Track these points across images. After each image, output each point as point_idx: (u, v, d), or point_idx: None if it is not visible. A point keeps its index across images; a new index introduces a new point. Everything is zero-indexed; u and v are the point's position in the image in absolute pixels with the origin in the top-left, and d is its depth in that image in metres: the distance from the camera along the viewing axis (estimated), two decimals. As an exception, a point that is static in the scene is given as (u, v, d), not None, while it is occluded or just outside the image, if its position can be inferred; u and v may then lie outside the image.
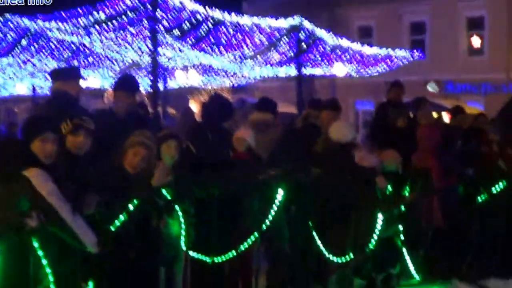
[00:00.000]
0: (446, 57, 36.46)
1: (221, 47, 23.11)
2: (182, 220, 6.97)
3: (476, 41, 37.71)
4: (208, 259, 7.54)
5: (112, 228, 5.99)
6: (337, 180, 8.55)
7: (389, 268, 9.34)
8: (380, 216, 8.83)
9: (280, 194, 7.99)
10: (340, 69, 28.66)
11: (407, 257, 9.43)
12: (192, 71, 28.97)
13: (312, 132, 9.57)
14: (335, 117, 9.83)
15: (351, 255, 8.77)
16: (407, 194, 9.21)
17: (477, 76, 36.36)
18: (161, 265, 6.83)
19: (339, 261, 8.75)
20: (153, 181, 6.33)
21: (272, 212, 8.00)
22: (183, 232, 7.03)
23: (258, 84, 36.27)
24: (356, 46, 28.15)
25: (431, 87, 36.82)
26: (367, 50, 28.55)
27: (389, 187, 9.01)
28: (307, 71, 27.47)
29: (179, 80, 30.54)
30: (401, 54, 29.54)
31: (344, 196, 8.63)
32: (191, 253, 7.31)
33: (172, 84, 32.18)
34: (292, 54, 25.50)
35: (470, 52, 38.03)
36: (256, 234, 7.93)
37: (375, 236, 8.83)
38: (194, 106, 31.32)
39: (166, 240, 6.82)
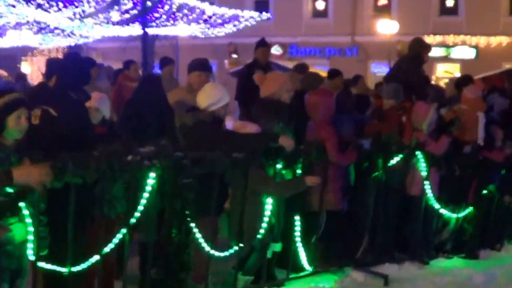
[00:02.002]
0: (291, 19, 35.78)
1: (59, 2, 20.76)
2: (29, 220, 5.08)
3: (320, 4, 37.21)
4: (64, 269, 5.72)
5: None
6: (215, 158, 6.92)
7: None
8: (269, 200, 7.31)
9: (151, 178, 6.28)
10: (184, 29, 27.01)
11: (299, 246, 7.98)
12: (25, 30, 26.36)
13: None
14: (205, 79, 8.19)
15: (235, 248, 7.24)
16: (299, 171, 7.70)
17: (321, 39, 36.02)
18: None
19: (221, 255, 7.18)
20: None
21: (143, 201, 6.28)
22: (30, 237, 5.14)
23: (97, 44, 33.86)
24: (203, 5, 26.53)
25: (275, 49, 36.16)
26: (215, 9, 27.01)
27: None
28: (151, 31, 25.58)
29: (11, 39, 27.88)
30: (249, 14, 28.24)
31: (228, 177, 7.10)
32: (41, 264, 5.47)
33: (3, 43, 29.43)
34: (136, 12, 23.51)
35: (315, 14, 37.56)
36: (123, 230, 6.20)
37: (263, 224, 7.31)
38: (28, 68, 28.74)
39: (6, 249, 4.97)
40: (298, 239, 7.95)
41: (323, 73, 12.92)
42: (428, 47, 10.56)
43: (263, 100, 8.16)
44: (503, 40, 34.39)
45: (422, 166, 9.12)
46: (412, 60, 10.36)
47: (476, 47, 35.04)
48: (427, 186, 9.20)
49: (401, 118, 9.32)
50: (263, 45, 12.11)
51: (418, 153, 9.05)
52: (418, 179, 9.21)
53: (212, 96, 7.30)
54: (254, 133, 7.37)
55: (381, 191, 8.84)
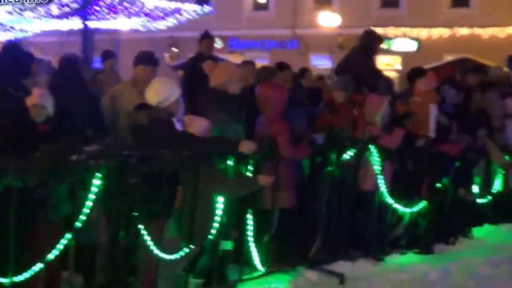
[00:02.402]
0: (231, 13, 35.49)
1: (-3, -3, 20.08)
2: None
3: (261, -4, 37.03)
4: (5, 280, 5.31)
5: None
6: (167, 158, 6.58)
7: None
8: (220, 199, 6.98)
9: (97, 179, 5.90)
10: (125, 23, 26.46)
11: (251, 246, 7.67)
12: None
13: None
14: (151, 73, 7.80)
15: (186, 250, 6.90)
16: (250, 168, 7.37)
17: (261, 32, 35.81)
18: None
19: (172, 258, 6.84)
20: None
21: (88, 204, 5.90)
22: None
23: (36, 39, 33.03)
24: (144, -2, 26.09)
25: (215, 43, 35.69)
26: (156, 3, 26.50)
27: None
28: (92, 24, 24.95)
29: None
30: (191, 8, 27.80)
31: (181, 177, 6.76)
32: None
33: None
34: (76, 5, 22.86)
35: (256, 7, 37.32)
36: (68, 235, 5.81)
37: (215, 225, 6.98)
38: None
39: None
40: (250, 238, 7.63)
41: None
42: (379, 39, 10.31)
43: (211, 91, 7.84)
44: (444, 32, 34.41)
45: (375, 160, 8.90)
46: (363, 52, 10.10)
47: (417, 39, 35.08)
48: (381, 180, 8.98)
49: (352, 111, 9.04)
50: (207, 37, 11.77)
51: (371, 147, 8.82)
52: (371, 174, 8.98)
53: (162, 92, 6.94)
54: (214, 137, 7.07)
55: (334, 187, 8.59)
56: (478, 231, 10.80)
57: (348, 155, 8.62)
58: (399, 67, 32.95)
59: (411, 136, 9.34)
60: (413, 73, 10.29)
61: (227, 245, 7.43)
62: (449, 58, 29.01)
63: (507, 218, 11.25)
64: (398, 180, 9.25)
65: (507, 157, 10.94)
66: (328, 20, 32.67)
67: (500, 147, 10.82)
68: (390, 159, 9.01)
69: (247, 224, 7.54)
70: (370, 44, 10.12)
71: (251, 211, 7.52)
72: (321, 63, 32.92)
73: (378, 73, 10.37)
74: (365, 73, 9.80)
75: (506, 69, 13.56)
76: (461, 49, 29.99)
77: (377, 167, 8.91)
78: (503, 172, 11.04)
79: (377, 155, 8.86)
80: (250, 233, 7.59)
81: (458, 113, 10.22)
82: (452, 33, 34.00)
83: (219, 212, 6.99)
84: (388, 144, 8.98)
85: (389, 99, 9.18)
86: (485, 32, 33.07)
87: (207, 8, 28.75)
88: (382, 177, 8.96)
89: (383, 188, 9.02)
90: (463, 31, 33.61)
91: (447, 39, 34.09)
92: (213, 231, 7.00)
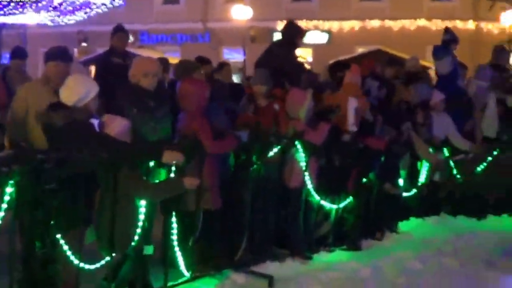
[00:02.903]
0: (142, 6, 34.93)
1: None
2: None
3: (170, -11, 36.58)
4: None
5: None
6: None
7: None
8: (142, 203, 6.56)
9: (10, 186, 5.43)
10: (33, 17, 25.54)
11: (176, 250, 7.27)
12: None
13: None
14: (64, 70, 7.28)
15: (107, 258, 6.46)
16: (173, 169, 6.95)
17: (172, 26, 35.43)
18: None
19: (92, 267, 6.39)
20: None
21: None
22: None
23: None
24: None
25: (127, 37, 35.16)
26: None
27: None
28: (-3, 19, 24.06)
29: None
30: (101, 1, 27.07)
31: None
32: None
33: None
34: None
35: (166, 1, 36.87)
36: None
37: (137, 230, 6.55)
38: None
39: None
40: (175, 243, 7.22)
41: (175, 60, 12.32)
42: (301, 31, 9.93)
43: (125, 86, 7.41)
44: (355, 24, 34.76)
45: (301, 156, 8.62)
46: (284, 45, 9.72)
47: (328, 31, 35.21)
48: (307, 177, 8.71)
49: (273, 107, 8.69)
50: (121, 30, 11.17)
51: (297, 143, 8.53)
52: (297, 171, 8.70)
53: (78, 90, 6.46)
54: (136, 143, 6.64)
55: (259, 185, 8.27)
56: (404, 225, 10.65)
57: (273, 152, 8.30)
58: (310, 60, 32.92)
59: (336, 131, 9.08)
60: (335, 66, 10.03)
61: (149, 250, 7.01)
62: (360, 50, 29.20)
63: (432, 211, 11.16)
64: (324, 176, 8.99)
65: (431, 150, 10.80)
66: (240, 13, 32.43)
67: (425, 139, 10.67)
68: (316, 155, 8.74)
69: (171, 228, 7.13)
70: (292, 36, 9.75)
71: (175, 214, 7.11)
72: (234, 57, 32.69)
73: (300, 66, 10.04)
74: (287, 67, 9.45)
75: (422, 61, 13.56)
76: (372, 41, 30.32)
77: (303, 164, 8.63)
78: (428, 164, 10.90)
79: (303, 151, 8.57)
80: (174, 237, 7.19)
81: (382, 107, 10.00)
82: (363, 26, 34.44)
83: (141, 216, 6.57)
84: (314, 139, 8.70)
85: (312, 93, 8.87)
86: (396, 24, 33.70)
87: (117, 2, 28.04)
88: (308, 173, 8.68)
89: (309, 185, 8.75)
90: (374, 23, 34.12)
91: (358, 31, 34.48)
92: (136, 237, 6.58)
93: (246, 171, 8.13)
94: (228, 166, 7.97)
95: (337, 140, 9.10)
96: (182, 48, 34.66)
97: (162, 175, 6.95)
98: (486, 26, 32.62)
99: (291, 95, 8.93)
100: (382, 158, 9.77)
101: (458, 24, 31.82)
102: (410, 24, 33.64)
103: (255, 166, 8.19)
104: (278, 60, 9.53)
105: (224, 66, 11.40)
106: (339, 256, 9.14)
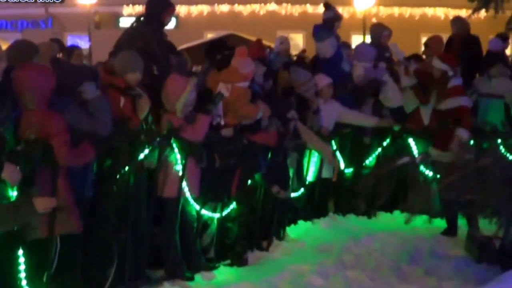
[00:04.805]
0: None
1: None
2: None
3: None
4: None
5: None
6: None
7: None
8: None
9: None
10: None
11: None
12: None
13: None
14: None
15: None
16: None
17: (13, 11, 33.82)
18: None
19: None
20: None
21: None
22: None
23: None
24: None
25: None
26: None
27: None
28: None
29: None
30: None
31: None
32: None
33: None
34: None
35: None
36: None
37: None
38: None
39: None
40: (24, 282, 5.45)
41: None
42: (169, 7, 8.22)
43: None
44: (204, 9, 34.43)
45: (177, 158, 7.06)
46: (150, 22, 7.98)
47: (176, 16, 34.07)
48: (184, 184, 7.16)
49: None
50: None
51: (172, 142, 6.95)
52: (173, 176, 7.14)
53: None
54: None
55: (129, 197, 6.64)
56: (292, 230, 9.17)
57: (143, 154, 6.69)
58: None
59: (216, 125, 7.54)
60: (212, 48, 8.49)
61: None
62: (209, 35, 28.71)
63: (321, 213, 9.78)
64: (204, 181, 7.46)
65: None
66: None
67: (315, 130, 9.20)
68: (196, 155, 7.19)
69: (18, 264, 5.36)
70: (158, 12, 8.04)
71: (21, 246, 5.35)
72: (78, 43, 30.96)
73: (170, 47, 8.36)
74: (155, 48, 7.78)
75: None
76: (221, 26, 29.81)
77: (179, 167, 7.08)
78: (316, 160, 9.50)
79: (180, 152, 7.02)
80: (22, 274, 5.42)
81: (267, 95, 8.50)
82: (211, 10, 34.17)
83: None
84: (192, 136, 7.14)
85: (195, 81, 7.27)
86: (246, 9, 33.77)
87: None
88: (185, 179, 7.14)
89: (187, 193, 7.21)
90: (223, 8, 34.00)
91: (206, 16, 34.06)
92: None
93: (111, 181, 6.47)
94: (89, 176, 6.26)
95: (217, 136, 7.56)
96: (24, 35, 32.54)
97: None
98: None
99: (169, 82, 7.31)
100: (269, 156, 8.30)
101: (309, 8, 31.69)
102: (260, 8, 33.64)
103: (123, 172, 6.56)
104: (144, 40, 7.85)
105: (75, 50, 9.63)
106: (225, 274, 7.61)
